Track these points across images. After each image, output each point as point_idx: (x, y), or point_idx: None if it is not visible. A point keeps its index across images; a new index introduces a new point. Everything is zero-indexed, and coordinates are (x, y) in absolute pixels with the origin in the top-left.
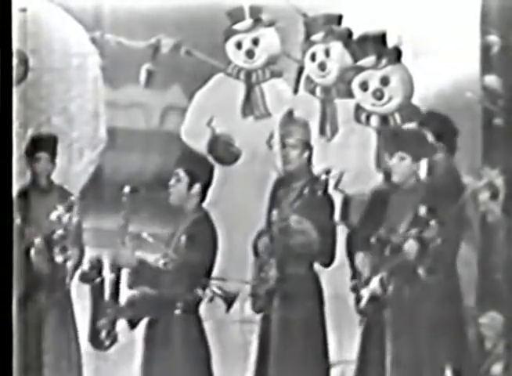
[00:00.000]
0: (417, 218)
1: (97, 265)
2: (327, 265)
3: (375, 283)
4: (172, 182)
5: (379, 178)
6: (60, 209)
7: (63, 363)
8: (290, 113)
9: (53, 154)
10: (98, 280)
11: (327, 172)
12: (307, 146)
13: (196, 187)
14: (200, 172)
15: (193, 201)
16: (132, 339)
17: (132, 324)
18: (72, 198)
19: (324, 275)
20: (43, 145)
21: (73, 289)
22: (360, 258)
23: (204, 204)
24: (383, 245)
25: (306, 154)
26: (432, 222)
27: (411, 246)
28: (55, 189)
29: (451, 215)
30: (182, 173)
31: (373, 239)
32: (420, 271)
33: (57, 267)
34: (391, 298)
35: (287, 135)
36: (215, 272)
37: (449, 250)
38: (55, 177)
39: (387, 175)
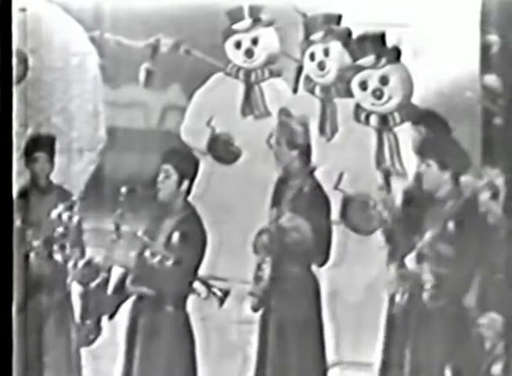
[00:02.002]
0: (445, 233)
1: (93, 266)
2: (321, 264)
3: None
4: (161, 178)
5: (379, 177)
6: (60, 207)
7: (63, 363)
8: (280, 112)
9: (51, 154)
10: (95, 282)
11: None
12: (294, 145)
13: (186, 184)
14: (187, 168)
15: (181, 197)
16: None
17: (110, 315)
18: (73, 198)
19: (322, 274)
20: (41, 145)
21: (74, 290)
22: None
23: (198, 202)
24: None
25: (294, 153)
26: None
27: (428, 280)
28: (54, 189)
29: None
30: (171, 169)
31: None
32: (425, 296)
33: (57, 268)
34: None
35: (273, 135)
36: (213, 271)
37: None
38: (55, 177)
39: (387, 175)
